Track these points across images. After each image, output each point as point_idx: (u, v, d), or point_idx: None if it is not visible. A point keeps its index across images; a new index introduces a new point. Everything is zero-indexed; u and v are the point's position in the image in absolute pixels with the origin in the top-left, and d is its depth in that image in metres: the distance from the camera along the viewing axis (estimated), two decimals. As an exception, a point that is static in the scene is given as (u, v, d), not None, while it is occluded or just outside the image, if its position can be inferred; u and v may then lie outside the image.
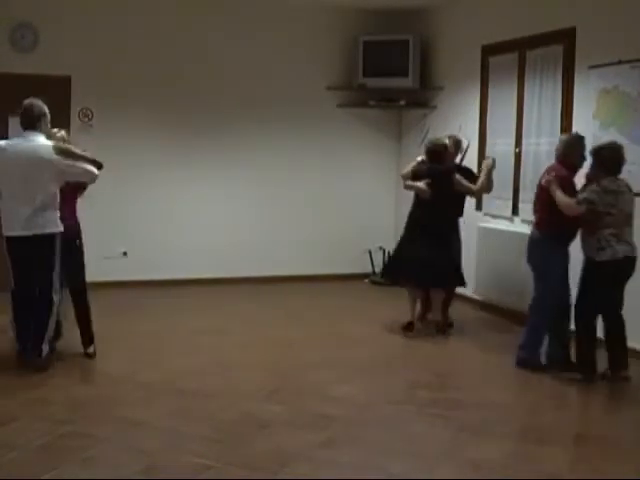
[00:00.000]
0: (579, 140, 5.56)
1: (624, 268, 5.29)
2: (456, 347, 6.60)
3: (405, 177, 6.79)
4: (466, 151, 7.36)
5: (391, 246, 9.37)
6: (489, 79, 7.76)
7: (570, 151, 5.50)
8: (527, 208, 7.20)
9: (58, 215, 5.50)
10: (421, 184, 6.56)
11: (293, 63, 8.82)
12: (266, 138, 8.81)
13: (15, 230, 5.34)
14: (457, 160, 7.25)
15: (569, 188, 5.39)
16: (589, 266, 5.37)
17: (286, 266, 8.90)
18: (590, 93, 6.42)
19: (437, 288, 6.68)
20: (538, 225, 5.62)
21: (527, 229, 7.15)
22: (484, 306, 7.65)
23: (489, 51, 7.74)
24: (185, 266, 8.51)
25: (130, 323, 6.87)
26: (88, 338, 5.81)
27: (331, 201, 9.15)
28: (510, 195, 7.34)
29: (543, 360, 5.61)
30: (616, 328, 5.39)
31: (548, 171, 5.57)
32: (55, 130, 5.85)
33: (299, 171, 8.99)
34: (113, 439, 4.20)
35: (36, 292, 5.38)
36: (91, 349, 5.78)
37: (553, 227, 5.49)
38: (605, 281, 5.29)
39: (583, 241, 5.43)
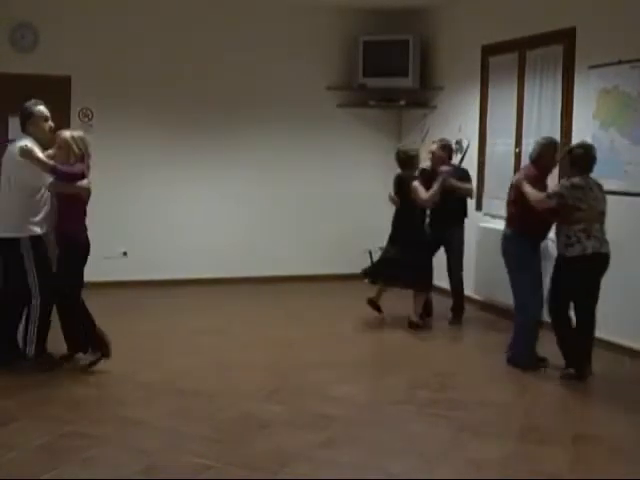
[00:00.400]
0: (553, 144, 5.74)
1: (593, 264, 5.34)
2: (456, 347, 6.60)
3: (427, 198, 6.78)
4: (466, 151, 7.36)
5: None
6: (489, 79, 7.76)
7: (544, 153, 5.65)
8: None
9: (32, 219, 5.42)
10: (391, 193, 7.02)
11: (293, 63, 8.81)
12: (266, 138, 8.81)
13: None
14: (457, 161, 7.25)
15: (539, 186, 5.55)
16: (560, 262, 5.45)
17: (286, 266, 8.90)
18: (590, 93, 6.42)
19: (410, 289, 6.96)
20: (509, 222, 5.78)
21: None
22: (484, 306, 7.65)
23: (489, 51, 7.74)
24: (185, 266, 8.51)
25: (130, 323, 6.87)
26: (71, 347, 5.66)
27: (331, 201, 9.15)
28: (510, 195, 7.34)
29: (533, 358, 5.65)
30: (585, 325, 5.44)
31: (520, 171, 5.85)
32: (67, 133, 5.71)
33: (299, 171, 8.99)
34: (113, 439, 4.20)
35: (10, 294, 5.40)
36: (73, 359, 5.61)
37: (524, 224, 5.63)
38: (574, 277, 5.35)
39: (557, 238, 5.52)
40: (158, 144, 8.44)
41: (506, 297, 7.25)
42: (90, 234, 8.27)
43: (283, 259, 8.93)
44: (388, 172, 9.43)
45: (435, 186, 6.70)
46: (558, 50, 6.78)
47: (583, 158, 5.41)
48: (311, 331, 6.85)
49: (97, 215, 8.29)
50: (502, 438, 4.33)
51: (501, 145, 7.56)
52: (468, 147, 7.35)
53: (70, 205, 5.58)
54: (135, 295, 7.95)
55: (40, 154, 5.35)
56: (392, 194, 7.03)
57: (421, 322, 6.89)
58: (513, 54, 7.36)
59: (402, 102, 8.93)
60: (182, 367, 5.61)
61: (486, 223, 7.68)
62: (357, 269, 9.28)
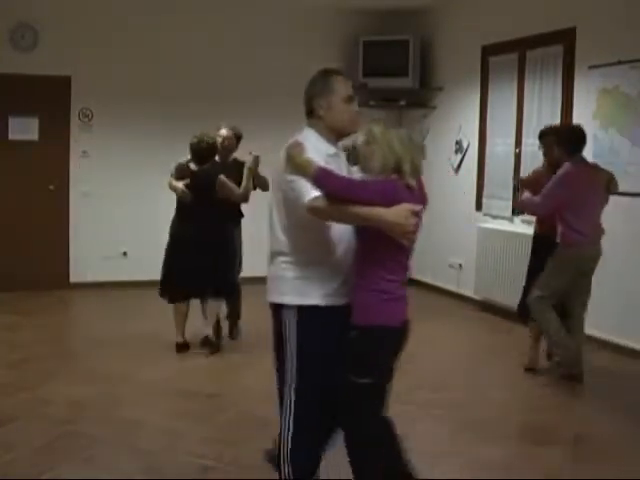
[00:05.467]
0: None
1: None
2: (456, 347, 6.60)
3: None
4: (466, 151, 7.37)
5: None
6: (489, 79, 7.76)
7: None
8: (527, 208, 7.23)
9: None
10: (179, 185, 5.87)
11: (293, 63, 8.80)
12: (266, 138, 8.79)
13: None
14: (457, 161, 7.26)
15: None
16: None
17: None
18: (590, 93, 6.42)
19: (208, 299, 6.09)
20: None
21: (527, 229, 7.17)
22: (484, 306, 7.65)
23: (489, 51, 7.74)
24: (185, 266, 8.51)
25: (130, 323, 6.87)
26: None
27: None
28: (510, 195, 7.33)
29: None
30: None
31: None
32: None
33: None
34: (113, 439, 4.20)
35: None
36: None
37: None
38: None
39: None
40: (158, 144, 8.44)
41: (506, 297, 7.28)
42: (90, 234, 8.34)
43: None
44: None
45: (244, 177, 6.02)
46: (558, 50, 6.78)
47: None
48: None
49: (97, 215, 8.35)
50: (502, 438, 4.33)
51: (501, 145, 7.56)
52: (468, 147, 7.36)
53: None
54: (135, 295, 7.95)
55: None
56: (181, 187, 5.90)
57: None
58: (513, 54, 7.36)
59: (402, 102, 8.92)
60: (182, 367, 5.61)
61: (486, 223, 7.68)
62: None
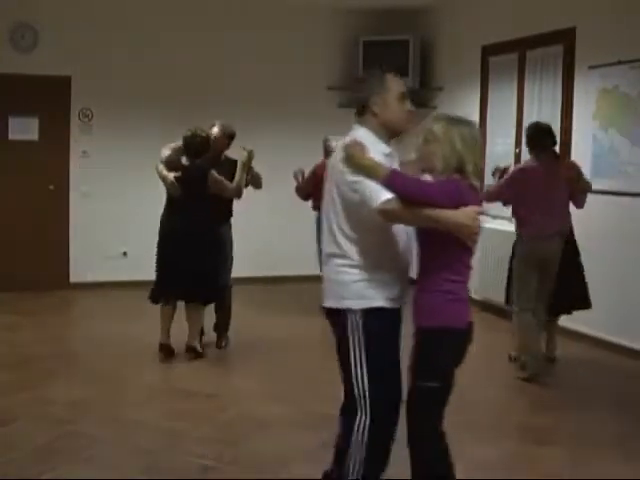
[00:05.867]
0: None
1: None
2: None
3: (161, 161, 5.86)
4: None
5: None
6: (489, 79, 7.76)
7: None
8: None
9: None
10: (170, 175, 5.71)
11: (293, 63, 8.81)
12: (266, 138, 8.80)
13: None
14: None
15: None
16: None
17: (286, 266, 8.89)
18: (590, 93, 6.42)
19: (189, 303, 5.81)
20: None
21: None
22: (484, 306, 7.65)
23: (489, 51, 7.74)
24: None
25: (130, 323, 6.86)
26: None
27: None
28: (510, 195, 7.34)
29: None
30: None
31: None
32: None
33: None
34: (113, 439, 4.20)
35: None
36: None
37: None
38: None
39: None
40: (158, 144, 8.41)
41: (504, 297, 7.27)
42: (90, 234, 8.34)
43: (284, 259, 8.92)
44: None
45: (237, 171, 5.90)
46: (558, 50, 6.78)
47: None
48: (311, 331, 6.84)
49: (97, 215, 8.35)
50: (502, 438, 4.33)
51: (501, 145, 7.56)
52: None
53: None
54: (135, 295, 7.93)
55: None
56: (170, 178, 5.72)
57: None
58: (513, 54, 7.36)
59: (402, 102, 8.91)
60: (182, 367, 5.61)
61: (486, 224, 7.67)
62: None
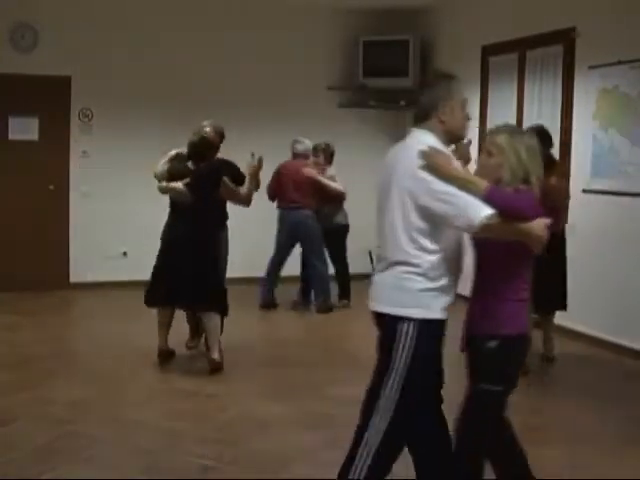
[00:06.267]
0: None
1: None
2: (456, 347, 6.58)
3: (161, 177, 5.66)
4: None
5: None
6: (489, 79, 7.76)
7: None
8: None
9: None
10: (179, 185, 5.51)
11: (293, 63, 8.81)
12: (266, 138, 8.80)
13: None
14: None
15: None
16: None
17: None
18: (590, 93, 6.42)
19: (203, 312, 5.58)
20: None
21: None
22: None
23: (489, 51, 7.74)
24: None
25: (130, 323, 6.86)
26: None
27: (331, 201, 9.14)
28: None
29: None
30: None
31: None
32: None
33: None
34: (113, 439, 4.20)
35: None
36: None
37: None
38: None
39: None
40: (158, 144, 8.42)
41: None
42: (90, 234, 8.34)
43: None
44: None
45: (247, 179, 5.78)
46: (558, 50, 6.78)
47: None
48: (311, 331, 6.84)
49: (97, 215, 8.35)
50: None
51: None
52: (469, 144, 7.32)
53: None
54: (135, 295, 7.92)
55: None
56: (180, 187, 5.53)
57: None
58: (513, 54, 7.36)
59: (402, 102, 8.92)
60: (182, 367, 5.61)
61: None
62: (357, 269, 9.30)
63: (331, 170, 7.68)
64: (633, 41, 5.96)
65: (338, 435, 4.33)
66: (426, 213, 2.86)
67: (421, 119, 3.06)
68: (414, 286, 2.90)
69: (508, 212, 2.77)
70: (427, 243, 2.90)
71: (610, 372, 5.71)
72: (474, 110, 7.90)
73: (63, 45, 8.04)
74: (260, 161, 5.80)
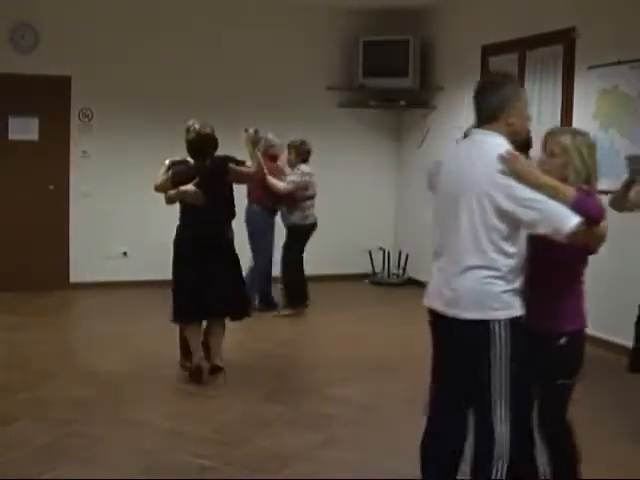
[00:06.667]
0: None
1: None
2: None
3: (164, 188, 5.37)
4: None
5: (391, 246, 9.43)
6: (489, 79, 7.76)
7: None
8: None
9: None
10: (188, 187, 5.21)
11: (293, 63, 8.81)
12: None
13: None
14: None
15: None
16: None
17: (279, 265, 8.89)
18: (590, 93, 6.42)
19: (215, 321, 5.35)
20: None
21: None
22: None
23: (489, 51, 7.74)
24: (185, 266, 8.50)
25: (130, 323, 6.86)
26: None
27: (331, 201, 9.13)
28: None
29: None
30: None
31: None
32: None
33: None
34: (113, 439, 4.20)
35: None
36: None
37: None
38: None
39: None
40: (158, 144, 8.44)
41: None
42: (90, 234, 8.34)
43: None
44: (388, 172, 9.49)
45: (253, 156, 5.59)
46: (558, 50, 6.78)
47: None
48: (311, 331, 6.85)
49: (97, 215, 8.35)
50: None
51: (501, 145, 7.56)
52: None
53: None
54: (135, 295, 7.95)
55: None
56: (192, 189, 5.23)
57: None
58: (513, 54, 7.36)
59: (402, 102, 8.93)
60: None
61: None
62: (357, 269, 9.32)
63: (304, 168, 7.46)
64: (633, 41, 5.96)
65: (338, 435, 4.34)
66: (508, 218, 2.88)
67: (487, 120, 3.04)
68: (496, 289, 2.92)
69: (593, 219, 2.82)
70: (506, 247, 2.91)
71: (610, 371, 5.70)
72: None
73: (63, 45, 8.04)
74: (256, 132, 5.66)
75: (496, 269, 2.90)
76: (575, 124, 6.59)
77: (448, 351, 3.09)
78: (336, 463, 3.97)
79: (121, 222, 8.39)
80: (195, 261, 5.16)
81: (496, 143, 2.94)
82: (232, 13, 8.60)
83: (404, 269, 9.12)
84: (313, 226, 7.48)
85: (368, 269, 9.31)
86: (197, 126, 5.30)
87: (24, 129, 8.06)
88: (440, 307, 3.03)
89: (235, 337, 6.50)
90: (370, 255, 9.27)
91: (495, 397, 2.98)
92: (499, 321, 2.92)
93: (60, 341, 6.44)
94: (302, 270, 7.50)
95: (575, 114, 6.62)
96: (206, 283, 5.13)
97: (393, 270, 9.28)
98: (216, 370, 5.23)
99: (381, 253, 9.28)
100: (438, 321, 3.08)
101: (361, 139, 9.24)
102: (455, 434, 3.12)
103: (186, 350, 5.36)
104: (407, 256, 9.07)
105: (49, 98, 8.17)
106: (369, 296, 8.63)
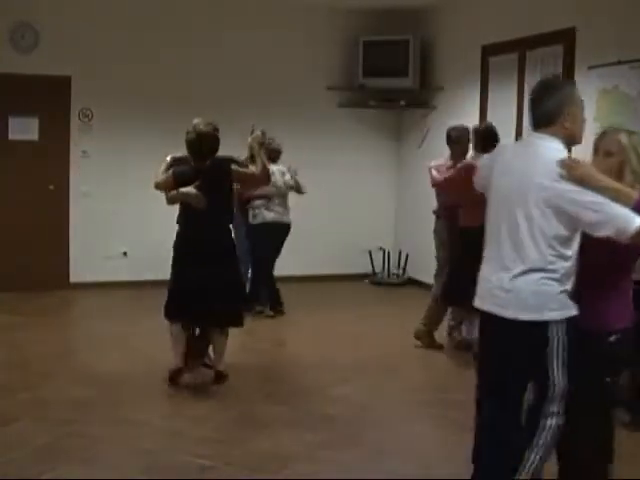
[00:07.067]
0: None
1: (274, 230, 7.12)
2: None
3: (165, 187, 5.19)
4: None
5: (391, 246, 9.43)
6: (489, 79, 7.76)
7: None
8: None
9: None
10: (190, 189, 5.03)
11: (293, 63, 8.81)
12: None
13: None
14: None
15: None
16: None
17: (286, 266, 8.89)
18: (590, 93, 6.41)
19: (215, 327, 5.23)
20: None
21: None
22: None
23: (489, 51, 7.74)
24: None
25: (130, 323, 6.87)
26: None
27: (331, 201, 9.15)
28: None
29: None
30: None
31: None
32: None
33: (299, 171, 8.98)
34: (113, 439, 4.20)
35: None
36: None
37: None
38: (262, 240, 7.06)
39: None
40: (158, 144, 8.43)
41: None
42: (90, 234, 8.34)
43: (283, 259, 8.91)
44: (388, 172, 9.49)
45: (257, 156, 5.44)
46: (558, 50, 6.78)
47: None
48: (311, 331, 6.85)
49: (97, 215, 8.35)
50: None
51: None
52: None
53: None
54: (135, 295, 7.95)
55: None
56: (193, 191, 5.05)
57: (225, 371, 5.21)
58: (513, 54, 7.36)
59: (402, 102, 8.93)
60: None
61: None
62: (357, 269, 9.32)
63: (272, 167, 7.28)
64: (633, 41, 5.96)
65: (338, 435, 4.34)
66: (569, 221, 2.92)
67: (544, 124, 3.06)
68: (553, 290, 2.97)
69: None
70: (564, 250, 2.96)
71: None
72: (474, 110, 7.92)
73: (63, 45, 8.04)
74: (264, 134, 5.54)
75: (553, 271, 2.96)
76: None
77: (502, 352, 3.12)
78: (336, 463, 3.97)
79: (121, 222, 8.39)
80: (193, 264, 5.03)
81: (553, 147, 2.99)
82: (232, 13, 8.60)
83: (404, 269, 9.12)
84: (262, 226, 7.19)
85: (368, 269, 9.31)
86: (202, 126, 5.18)
87: (24, 129, 8.05)
88: (494, 309, 3.07)
89: (235, 337, 6.51)
90: (370, 255, 9.27)
91: (551, 395, 3.04)
92: (556, 321, 2.97)
93: (60, 341, 6.44)
94: (264, 271, 7.30)
95: (575, 114, 6.61)
96: (200, 288, 4.97)
97: (393, 270, 9.28)
98: (220, 378, 5.11)
99: (381, 253, 9.28)
100: (490, 322, 3.12)
101: (361, 139, 9.24)
102: (509, 433, 3.15)
103: (196, 353, 5.28)
104: (407, 256, 9.07)
105: (49, 98, 8.17)
106: (369, 296, 8.63)
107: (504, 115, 7.50)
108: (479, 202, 3.37)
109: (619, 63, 6.07)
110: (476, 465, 3.29)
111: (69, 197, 8.34)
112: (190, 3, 8.44)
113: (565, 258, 2.97)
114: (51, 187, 8.25)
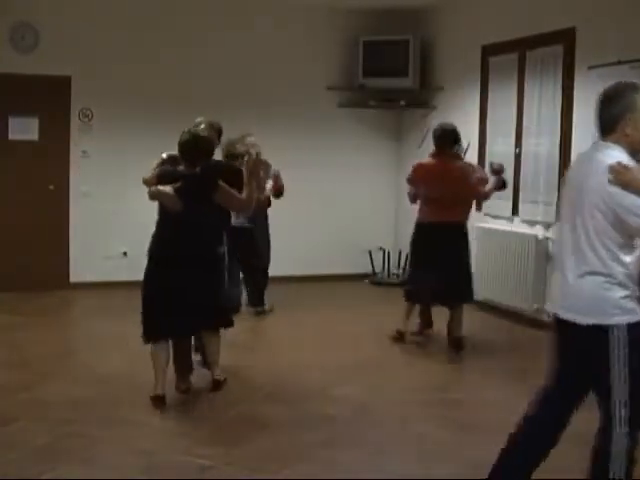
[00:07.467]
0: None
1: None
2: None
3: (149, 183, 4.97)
4: (466, 151, 7.36)
5: (391, 246, 9.43)
6: (489, 79, 7.76)
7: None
8: (527, 208, 7.22)
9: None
10: (167, 188, 4.70)
11: (293, 63, 8.81)
12: (266, 138, 8.79)
13: None
14: None
15: None
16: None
17: (286, 266, 8.90)
18: (590, 93, 6.40)
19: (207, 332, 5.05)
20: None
21: (527, 229, 7.17)
22: (483, 306, 7.65)
23: (489, 51, 7.74)
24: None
25: (130, 323, 6.84)
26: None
27: (331, 201, 9.15)
28: (510, 195, 7.34)
29: None
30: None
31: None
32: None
33: (299, 171, 8.97)
34: (113, 439, 4.20)
35: None
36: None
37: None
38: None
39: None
40: (158, 144, 8.41)
41: (506, 297, 7.29)
42: (90, 234, 8.34)
43: (283, 259, 8.91)
44: (388, 172, 9.48)
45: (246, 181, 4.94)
46: (558, 50, 6.78)
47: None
48: (311, 331, 6.84)
49: (97, 215, 8.35)
50: (502, 438, 4.32)
51: (501, 145, 7.56)
52: (468, 147, 7.33)
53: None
54: (135, 295, 7.91)
55: None
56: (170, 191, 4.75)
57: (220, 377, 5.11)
58: (513, 54, 7.36)
59: (402, 102, 8.93)
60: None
61: (486, 223, 7.68)
62: (357, 269, 9.32)
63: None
64: (633, 41, 5.96)
65: (338, 435, 4.34)
66: (621, 226, 2.94)
67: (607, 132, 3.07)
68: (615, 294, 2.98)
69: None
70: (622, 256, 2.98)
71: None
72: (474, 110, 7.92)
73: (63, 45, 8.04)
74: (258, 155, 5.07)
75: (613, 276, 2.97)
76: (575, 124, 6.60)
77: (568, 354, 3.16)
78: (336, 463, 3.97)
79: (121, 222, 8.39)
80: (168, 267, 4.74)
81: (610, 155, 2.99)
82: (232, 13, 8.60)
83: (404, 269, 9.11)
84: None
85: (368, 269, 9.31)
86: (202, 126, 5.01)
87: (24, 129, 8.06)
88: (561, 312, 3.11)
89: (235, 337, 6.51)
90: (370, 255, 9.27)
91: (615, 399, 3.03)
92: (618, 326, 2.97)
93: (60, 341, 6.45)
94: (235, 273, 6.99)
95: (575, 114, 6.62)
96: (178, 294, 4.70)
97: (393, 270, 9.28)
98: (217, 385, 5.01)
99: (381, 253, 9.28)
100: (559, 326, 3.15)
101: (361, 139, 9.24)
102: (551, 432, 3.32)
103: (181, 370, 5.06)
104: (407, 256, 9.05)
105: (49, 98, 8.17)
106: (369, 296, 8.63)
107: (504, 115, 7.51)
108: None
109: (619, 63, 6.06)
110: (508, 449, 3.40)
111: (69, 197, 8.34)
112: (190, 3, 8.45)
113: (623, 264, 2.97)
114: (51, 187, 8.26)
